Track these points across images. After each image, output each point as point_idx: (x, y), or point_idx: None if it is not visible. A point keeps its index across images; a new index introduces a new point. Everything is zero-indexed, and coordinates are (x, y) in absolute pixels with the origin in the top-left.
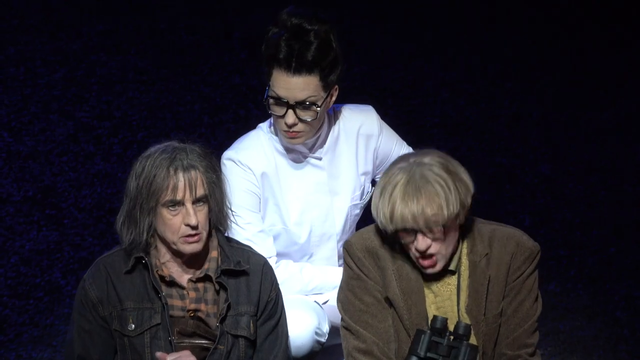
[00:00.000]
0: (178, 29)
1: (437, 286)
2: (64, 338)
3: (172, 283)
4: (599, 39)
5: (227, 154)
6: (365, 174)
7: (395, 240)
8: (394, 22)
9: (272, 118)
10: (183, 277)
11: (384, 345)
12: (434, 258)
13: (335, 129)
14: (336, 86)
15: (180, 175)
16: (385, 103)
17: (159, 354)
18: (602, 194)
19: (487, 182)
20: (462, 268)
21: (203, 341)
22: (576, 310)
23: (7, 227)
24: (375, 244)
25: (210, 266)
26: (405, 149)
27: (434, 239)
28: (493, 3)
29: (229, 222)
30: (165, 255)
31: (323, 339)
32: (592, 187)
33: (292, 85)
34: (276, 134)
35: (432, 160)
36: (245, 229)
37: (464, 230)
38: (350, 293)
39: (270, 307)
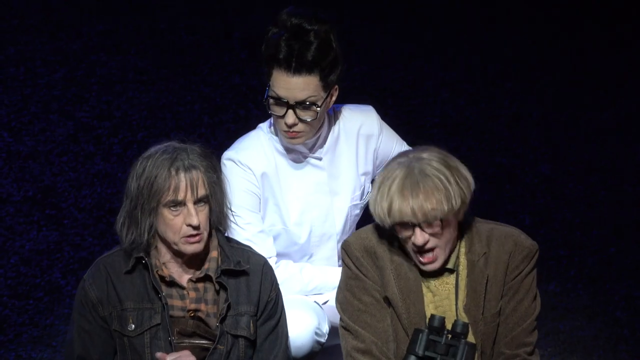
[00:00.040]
0: (178, 29)
1: (435, 285)
2: (63, 338)
3: (172, 283)
4: (599, 39)
5: (227, 154)
6: (365, 174)
7: (393, 236)
8: (394, 22)
9: (272, 118)
10: (183, 277)
11: (382, 345)
12: (434, 253)
13: (335, 129)
14: (336, 86)
15: (182, 175)
16: (385, 103)
17: (158, 354)
18: (602, 194)
19: (487, 182)
20: (461, 267)
21: (203, 341)
22: (576, 310)
23: (7, 227)
24: (374, 243)
25: (210, 266)
26: (405, 149)
27: (432, 234)
28: (493, 3)
29: (228, 222)
30: (165, 255)
31: (323, 339)
32: (592, 187)
33: (292, 85)
34: (276, 134)
35: (431, 156)
36: (245, 229)
37: (462, 229)
38: (348, 293)
39: (270, 307)
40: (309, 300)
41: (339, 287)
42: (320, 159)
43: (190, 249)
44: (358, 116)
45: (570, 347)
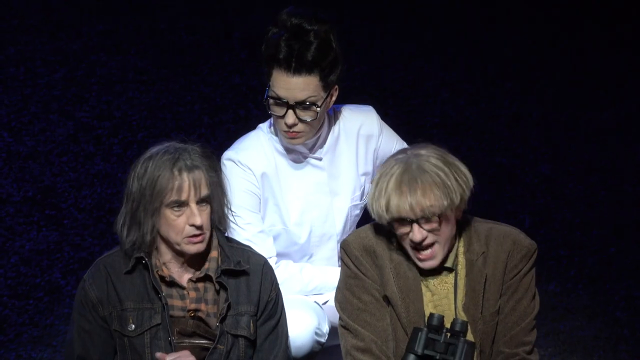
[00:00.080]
0: (178, 29)
1: (434, 285)
2: (63, 338)
3: (172, 283)
4: (599, 39)
5: (227, 154)
6: (365, 174)
7: (392, 235)
8: (394, 22)
9: (272, 118)
10: (183, 277)
11: (382, 344)
12: (432, 250)
13: (335, 129)
14: (336, 86)
15: (185, 175)
16: (385, 103)
17: (158, 354)
18: (602, 194)
19: (487, 182)
20: (459, 267)
21: (203, 341)
22: (576, 310)
23: (7, 228)
24: (373, 242)
25: (211, 266)
26: None
27: (430, 231)
28: (493, 3)
29: (228, 222)
30: (166, 255)
31: (323, 339)
32: (592, 187)
33: (292, 85)
34: (276, 134)
35: (429, 152)
36: (245, 229)
37: (461, 228)
38: (348, 292)
39: (270, 307)
40: (309, 301)
41: (338, 287)
42: (320, 159)
43: (193, 249)
44: (358, 116)
45: (570, 347)
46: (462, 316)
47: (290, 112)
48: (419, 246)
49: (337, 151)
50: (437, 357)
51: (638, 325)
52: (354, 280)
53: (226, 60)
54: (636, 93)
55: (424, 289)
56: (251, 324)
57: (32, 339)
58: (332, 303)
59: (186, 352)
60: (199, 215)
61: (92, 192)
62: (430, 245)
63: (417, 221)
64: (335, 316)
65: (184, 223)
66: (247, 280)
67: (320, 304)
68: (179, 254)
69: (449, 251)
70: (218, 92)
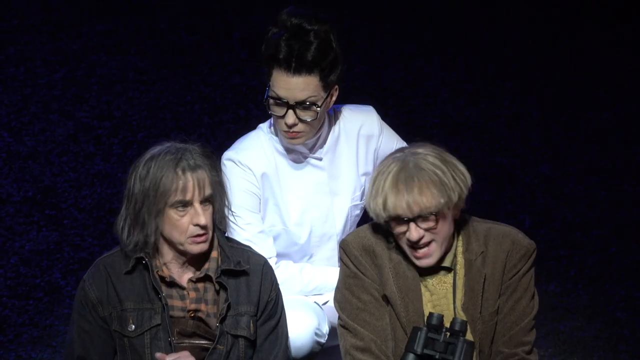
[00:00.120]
0: (178, 29)
1: (432, 284)
2: (63, 338)
3: (172, 283)
4: (599, 39)
5: (227, 154)
6: (365, 174)
7: (391, 235)
8: (394, 22)
9: (272, 118)
10: (183, 277)
11: (381, 343)
12: (429, 248)
13: (335, 129)
14: (336, 86)
15: (189, 175)
16: (385, 103)
17: (158, 354)
18: (602, 194)
19: (487, 182)
20: (458, 266)
21: (203, 341)
22: (576, 310)
23: (7, 228)
24: (372, 242)
25: (211, 266)
26: None
27: (427, 229)
28: (493, 3)
29: (228, 222)
30: (167, 255)
31: (323, 340)
32: (592, 187)
33: (292, 85)
34: (276, 135)
35: (426, 151)
36: (245, 229)
37: (460, 228)
38: (347, 291)
39: (270, 307)
40: (309, 301)
41: (337, 286)
42: (320, 159)
43: (197, 248)
44: (358, 116)
45: (570, 348)
46: (461, 316)
47: (291, 112)
48: (415, 245)
49: (337, 151)
50: (437, 357)
51: (638, 326)
52: (353, 279)
53: (226, 60)
54: (636, 93)
55: (422, 288)
56: (251, 324)
57: (32, 340)
58: (332, 303)
59: (186, 353)
60: (203, 215)
61: (92, 192)
62: (427, 243)
63: (413, 220)
64: (335, 316)
65: (187, 223)
66: (247, 281)
67: (320, 304)
68: (181, 254)
69: (447, 251)
70: (218, 92)
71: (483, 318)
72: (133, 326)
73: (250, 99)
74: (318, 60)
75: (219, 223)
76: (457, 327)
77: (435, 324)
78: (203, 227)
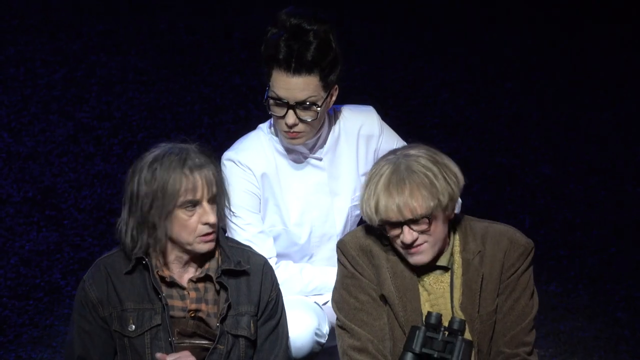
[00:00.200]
0: (178, 29)
1: (430, 284)
2: (63, 339)
3: (173, 284)
4: (599, 39)
5: (227, 154)
6: (365, 174)
7: (382, 235)
8: (394, 22)
9: (272, 119)
10: (183, 277)
11: (379, 343)
12: (421, 245)
13: (335, 129)
14: (336, 86)
15: (197, 174)
16: (385, 103)
17: (158, 354)
18: (602, 194)
19: (487, 183)
20: (456, 266)
21: (203, 341)
22: (576, 310)
23: (7, 228)
24: (369, 242)
25: (211, 266)
26: None
27: (420, 232)
28: (493, 3)
29: (228, 222)
30: (170, 256)
31: (323, 340)
32: (592, 187)
33: (292, 85)
34: (276, 135)
35: (419, 152)
36: (245, 229)
37: (457, 228)
38: (345, 292)
39: (270, 307)
40: (309, 301)
41: (335, 287)
42: (320, 159)
43: (205, 247)
44: (358, 116)
45: (570, 348)
46: (459, 315)
47: (291, 112)
48: (410, 247)
49: (337, 151)
50: (435, 356)
51: (638, 326)
52: (350, 280)
53: (226, 60)
54: (636, 93)
55: (420, 288)
56: (251, 324)
57: (32, 340)
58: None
59: (186, 353)
60: (212, 213)
61: (92, 193)
62: (420, 243)
63: (406, 223)
64: (335, 316)
65: (196, 223)
66: (247, 281)
67: (321, 304)
68: (186, 253)
69: (443, 250)
70: (218, 92)
71: (481, 317)
72: (133, 326)
73: (250, 100)
74: (318, 60)
75: (220, 222)
76: (455, 326)
77: (433, 323)
78: (212, 226)
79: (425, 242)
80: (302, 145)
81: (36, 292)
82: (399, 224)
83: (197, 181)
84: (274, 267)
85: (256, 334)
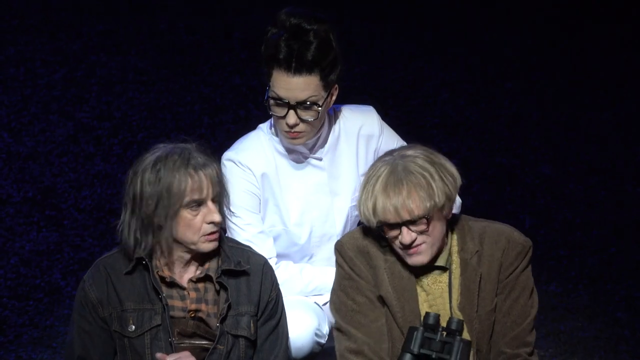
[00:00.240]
0: (178, 29)
1: (428, 284)
2: (64, 339)
3: (173, 284)
4: (599, 39)
5: (227, 154)
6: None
7: (381, 236)
8: (394, 22)
9: (272, 119)
10: (183, 277)
11: (375, 345)
12: (419, 246)
13: (335, 129)
14: (336, 85)
15: (201, 174)
16: (385, 103)
17: (159, 354)
18: (602, 194)
19: (487, 183)
20: (454, 266)
21: (203, 342)
22: (577, 310)
23: (7, 228)
24: (366, 243)
25: (211, 266)
26: None
27: (419, 232)
28: (493, 3)
29: (227, 222)
30: (170, 256)
31: (323, 340)
32: (592, 187)
33: (292, 85)
34: (276, 135)
35: (415, 153)
36: (245, 229)
37: (455, 227)
38: (342, 293)
39: (270, 307)
40: (309, 301)
41: (333, 288)
42: (320, 159)
43: (210, 246)
44: (358, 116)
45: (571, 348)
46: (458, 315)
47: (292, 112)
48: (408, 248)
49: (337, 151)
50: (434, 356)
51: (638, 326)
52: (347, 281)
53: (226, 60)
54: (636, 93)
55: (418, 288)
56: (251, 324)
57: (32, 340)
58: None
59: (187, 353)
60: (217, 212)
61: (92, 193)
62: (419, 244)
63: (404, 224)
64: None
65: (201, 222)
66: (247, 281)
67: (321, 304)
68: (190, 253)
69: (441, 250)
70: (218, 92)
71: (480, 317)
72: (133, 326)
73: (250, 100)
74: (318, 60)
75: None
76: (453, 327)
77: (431, 324)
78: (217, 225)
79: (424, 242)
80: (302, 145)
81: (36, 293)
82: (397, 225)
83: (202, 180)
84: (274, 267)
85: (256, 334)
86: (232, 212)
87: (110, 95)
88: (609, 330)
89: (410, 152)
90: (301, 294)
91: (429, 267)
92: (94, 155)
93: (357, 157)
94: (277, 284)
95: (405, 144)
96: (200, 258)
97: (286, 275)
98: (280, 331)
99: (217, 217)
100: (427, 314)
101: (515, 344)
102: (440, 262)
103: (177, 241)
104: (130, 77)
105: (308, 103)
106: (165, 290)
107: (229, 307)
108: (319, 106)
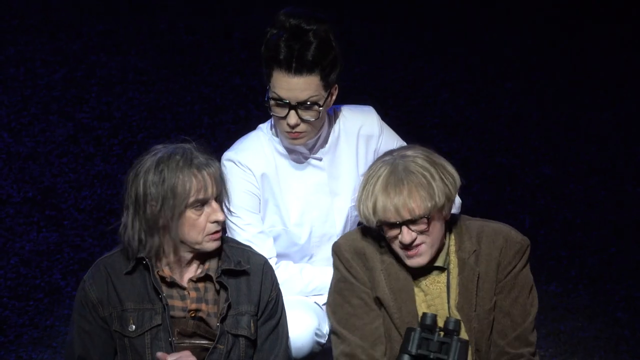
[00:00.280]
0: (178, 29)
1: (426, 285)
2: (64, 339)
3: (173, 284)
4: (599, 39)
5: (227, 154)
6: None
7: (380, 236)
8: (394, 22)
9: (272, 119)
10: (184, 277)
11: (369, 348)
12: (419, 247)
13: (335, 129)
14: (336, 85)
15: (205, 173)
16: (385, 103)
17: (159, 354)
18: (602, 195)
19: (487, 183)
20: (452, 266)
21: (203, 341)
22: (577, 310)
23: (7, 228)
24: (363, 244)
25: (211, 266)
26: None
27: (419, 232)
28: (493, 3)
29: (227, 222)
30: (170, 255)
31: (323, 340)
32: (592, 187)
33: (293, 85)
34: (276, 135)
35: (415, 153)
36: (245, 230)
37: (452, 227)
38: (338, 296)
39: (270, 307)
40: (309, 301)
41: (329, 290)
42: (320, 159)
43: (213, 245)
44: (358, 116)
45: (571, 348)
46: (456, 315)
47: (293, 112)
48: (408, 247)
49: (337, 151)
50: (431, 357)
51: (638, 326)
52: (343, 283)
53: (226, 61)
54: (636, 93)
55: (416, 289)
56: (252, 324)
57: (32, 340)
58: None
59: (187, 353)
60: (220, 211)
61: (92, 193)
62: (418, 244)
63: (405, 223)
64: None
65: (205, 221)
66: (247, 280)
67: (321, 304)
68: (192, 253)
69: (440, 250)
70: (218, 92)
71: (478, 316)
72: (133, 326)
73: (250, 100)
74: (318, 60)
75: None
76: (450, 327)
77: (428, 324)
78: (220, 224)
79: (423, 243)
80: (302, 146)
81: (36, 293)
82: (397, 225)
83: (206, 179)
84: (274, 267)
85: (256, 333)
86: (232, 212)
87: (110, 96)
88: (609, 330)
89: (410, 152)
90: (301, 294)
91: (427, 268)
92: (94, 155)
93: (357, 157)
94: (277, 284)
95: (405, 144)
96: (201, 258)
97: (286, 275)
98: (281, 331)
99: (221, 216)
100: (424, 314)
101: (517, 344)
102: (439, 262)
103: (181, 241)
104: (130, 77)
105: (309, 103)
106: (165, 290)
107: (229, 307)
108: (320, 106)
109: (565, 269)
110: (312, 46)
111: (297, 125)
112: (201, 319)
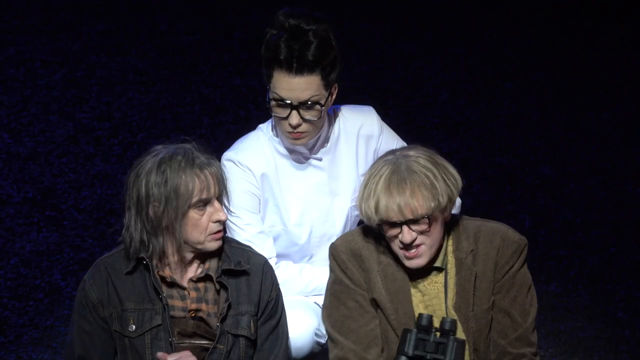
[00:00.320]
0: (178, 29)
1: (424, 285)
2: (64, 339)
3: (173, 284)
4: (599, 39)
5: (227, 154)
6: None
7: (380, 238)
8: (394, 22)
9: (272, 119)
10: (184, 277)
11: (362, 351)
12: (419, 248)
13: (335, 129)
14: (336, 85)
15: (207, 173)
16: (385, 103)
17: (159, 354)
18: (602, 195)
19: (487, 183)
20: (449, 265)
21: (203, 341)
22: (577, 310)
23: (7, 229)
24: (359, 246)
25: (211, 266)
26: None
27: (419, 232)
28: (493, 3)
29: (227, 222)
30: (171, 256)
31: (323, 340)
32: (592, 187)
33: (294, 86)
34: (276, 135)
35: (418, 153)
36: (245, 230)
37: (450, 227)
38: (334, 298)
39: (270, 307)
40: (309, 301)
41: (325, 292)
42: (320, 159)
43: (215, 245)
44: (358, 116)
45: (571, 348)
46: (453, 315)
47: (294, 112)
48: (409, 247)
49: (337, 151)
50: (428, 357)
51: (638, 326)
52: (339, 286)
53: (226, 61)
54: (636, 93)
55: (413, 290)
56: (252, 324)
57: (32, 341)
58: None
59: (187, 353)
60: (222, 211)
61: (92, 193)
62: (418, 245)
63: (406, 223)
64: None
65: (207, 221)
66: (247, 280)
67: (321, 304)
68: (194, 252)
69: (438, 250)
70: (218, 92)
71: (476, 316)
72: (134, 326)
73: (250, 100)
74: (319, 60)
75: None
76: (446, 327)
77: (424, 325)
78: (222, 223)
79: (423, 243)
80: (302, 146)
81: (36, 293)
82: (399, 224)
83: (208, 179)
84: (274, 267)
85: (256, 333)
86: (232, 212)
87: (110, 96)
88: (609, 330)
89: (412, 153)
90: (301, 294)
91: (425, 268)
92: (94, 155)
93: (356, 157)
94: (277, 284)
95: (405, 144)
96: (201, 257)
97: (286, 275)
98: (280, 331)
99: (223, 216)
100: (420, 315)
101: (519, 344)
102: (437, 262)
103: (184, 241)
104: (130, 77)
105: (310, 103)
106: (165, 290)
107: (229, 307)
108: (322, 105)
109: (565, 269)
110: (313, 46)
111: (299, 125)
112: (201, 319)
